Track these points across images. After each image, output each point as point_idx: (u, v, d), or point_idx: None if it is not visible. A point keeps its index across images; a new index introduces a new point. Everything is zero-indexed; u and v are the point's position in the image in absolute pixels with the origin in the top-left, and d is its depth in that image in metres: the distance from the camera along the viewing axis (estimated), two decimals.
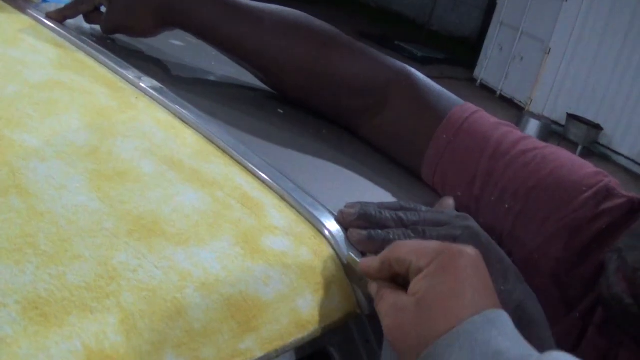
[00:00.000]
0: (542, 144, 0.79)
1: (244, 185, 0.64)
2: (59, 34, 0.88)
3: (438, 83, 0.87)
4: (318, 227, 0.62)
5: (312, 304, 0.56)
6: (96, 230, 0.51)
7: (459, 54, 8.25)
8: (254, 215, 0.60)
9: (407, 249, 0.52)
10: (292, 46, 0.85)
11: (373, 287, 0.55)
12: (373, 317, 0.61)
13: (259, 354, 0.50)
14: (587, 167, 0.76)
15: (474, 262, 0.50)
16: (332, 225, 0.62)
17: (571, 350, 0.72)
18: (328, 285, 0.58)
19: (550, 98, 6.77)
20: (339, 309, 0.58)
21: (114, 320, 0.44)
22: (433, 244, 0.52)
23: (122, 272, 0.47)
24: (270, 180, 0.65)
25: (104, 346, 0.42)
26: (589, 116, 6.35)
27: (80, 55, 0.84)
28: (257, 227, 0.58)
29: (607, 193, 0.72)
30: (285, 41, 0.86)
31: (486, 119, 0.81)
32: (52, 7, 0.95)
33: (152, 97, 0.77)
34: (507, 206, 0.75)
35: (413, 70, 0.86)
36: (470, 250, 0.51)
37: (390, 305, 0.51)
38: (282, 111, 0.90)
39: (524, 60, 6.98)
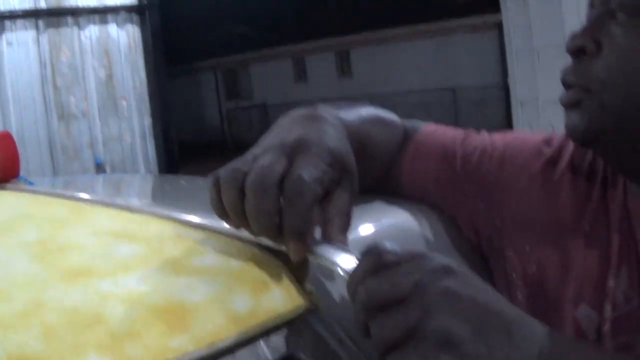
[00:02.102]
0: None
1: (179, 232, 0.69)
2: None
3: None
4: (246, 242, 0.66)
5: (250, 302, 0.58)
6: (31, 282, 0.56)
7: None
8: (186, 248, 0.64)
9: None
10: None
11: None
12: (335, 315, 0.63)
13: (191, 349, 0.52)
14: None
15: None
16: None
17: None
18: (266, 284, 0.60)
19: None
20: (284, 304, 0.60)
21: (36, 332, 0.48)
22: None
23: (48, 302, 0.52)
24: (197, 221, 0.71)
25: (25, 351, 0.46)
26: None
27: None
28: (188, 253, 0.63)
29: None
30: None
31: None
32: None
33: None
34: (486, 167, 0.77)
35: None
36: None
37: None
38: None
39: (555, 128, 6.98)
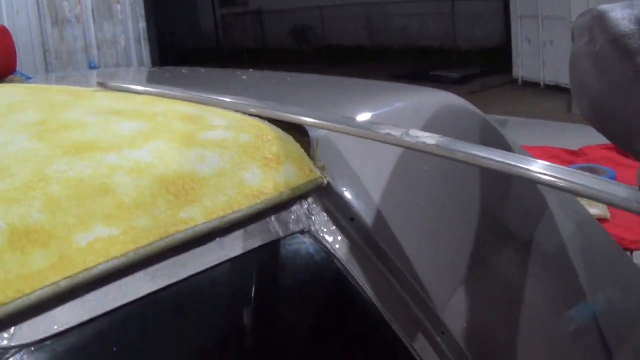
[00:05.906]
0: None
1: (186, 110, 0.66)
2: None
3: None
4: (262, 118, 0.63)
5: (261, 176, 0.56)
6: (32, 158, 0.53)
7: (492, 62, 8.18)
8: (194, 124, 0.62)
9: None
10: None
11: None
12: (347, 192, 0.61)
13: (202, 221, 0.50)
14: None
15: None
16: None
17: None
18: (278, 159, 0.58)
19: None
20: (295, 180, 0.58)
21: (39, 205, 0.46)
22: None
23: (52, 174, 0.49)
24: (212, 98, 0.68)
25: (28, 223, 0.44)
26: None
27: None
28: (197, 129, 0.60)
29: None
30: None
31: None
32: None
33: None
34: None
35: None
36: None
37: None
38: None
39: (555, 43, 6.86)
